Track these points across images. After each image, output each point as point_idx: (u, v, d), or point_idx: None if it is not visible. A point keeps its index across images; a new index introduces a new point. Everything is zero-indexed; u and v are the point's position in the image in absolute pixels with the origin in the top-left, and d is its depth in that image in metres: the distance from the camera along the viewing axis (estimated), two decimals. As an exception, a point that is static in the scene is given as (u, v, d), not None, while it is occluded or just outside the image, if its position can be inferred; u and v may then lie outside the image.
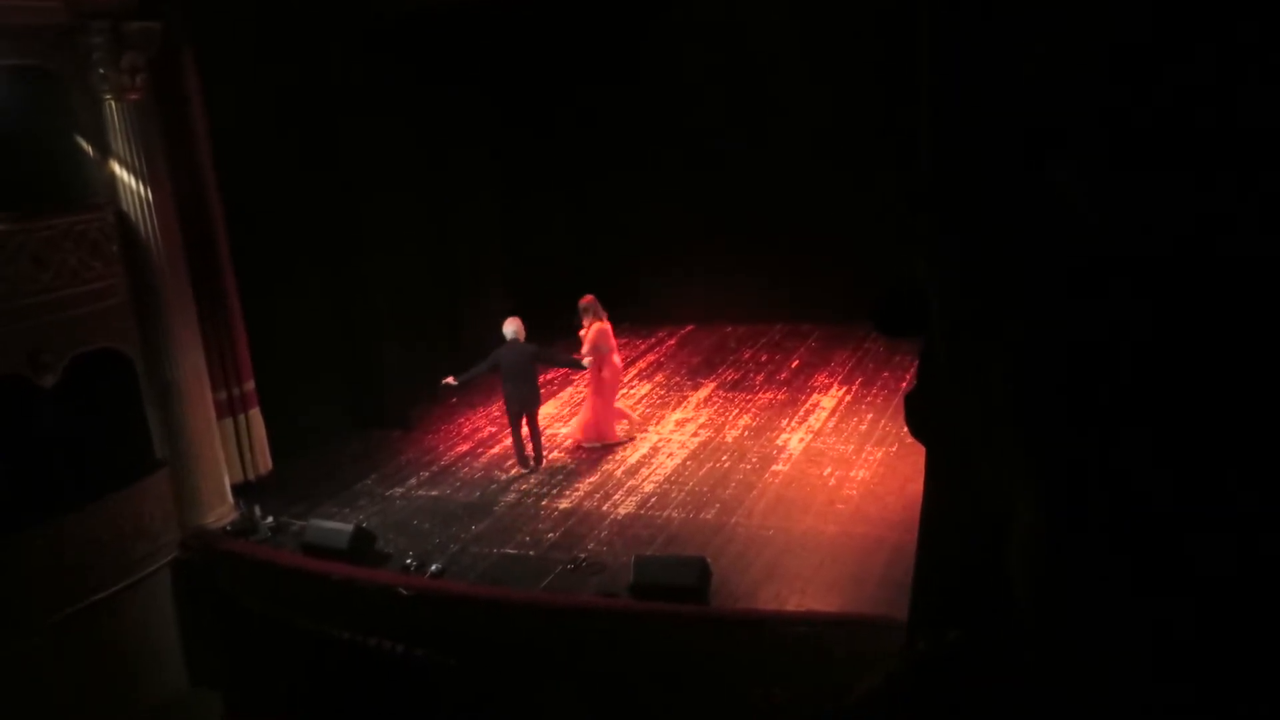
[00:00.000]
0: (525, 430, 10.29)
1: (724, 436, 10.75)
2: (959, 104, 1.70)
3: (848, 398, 11.49)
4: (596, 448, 10.67)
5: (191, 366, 9.41)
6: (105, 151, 8.87)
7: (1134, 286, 1.40)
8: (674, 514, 9.07)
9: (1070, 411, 1.47)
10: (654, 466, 10.15)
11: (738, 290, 14.13)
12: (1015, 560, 1.58)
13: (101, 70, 8.65)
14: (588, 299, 10.73)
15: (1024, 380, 1.55)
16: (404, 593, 8.06)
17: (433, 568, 8.36)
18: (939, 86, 1.73)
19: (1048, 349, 1.50)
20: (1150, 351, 1.41)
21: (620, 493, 9.61)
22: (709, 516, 8.94)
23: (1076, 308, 1.46)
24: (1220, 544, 1.37)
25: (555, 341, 12.44)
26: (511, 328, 10.16)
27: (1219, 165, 1.35)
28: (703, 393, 12.15)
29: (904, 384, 11.64)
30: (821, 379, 12.18)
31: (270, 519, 9.47)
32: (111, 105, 8.77)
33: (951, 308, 1.73)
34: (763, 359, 13.20)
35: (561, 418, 11.81)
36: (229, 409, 9.92)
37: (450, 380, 10.16)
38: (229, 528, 9.41)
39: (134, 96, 8.83)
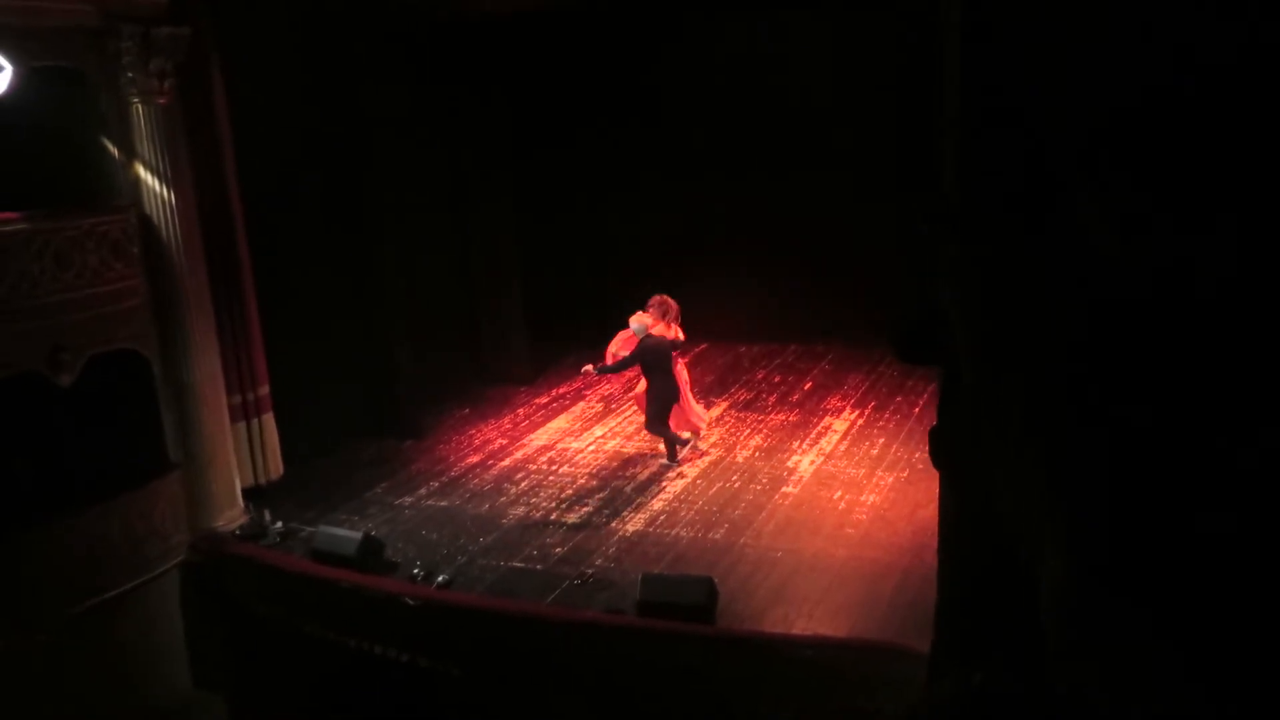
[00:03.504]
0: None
1: (735, 456, 10.74)
2: (987, 127, 1.70)
3: (860, 421, 11.47)
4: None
5: (207, 369, 9.45)
6: (130, 154, 8.95)
7: (1154, 324, 1.40)
8: (682, 533, 9.05)
9: (1098, 454, 1.46)
10: (663, 484, 10.14)
11: (753, 310, 14.12)
12: (1044, 604, 1.57)
13: (130, 74, 8.73)
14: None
15: (1049, 419, 1.54)
16: (410, 602, 8.06)
17: (440, 578, 8.36)
18: (968, 108, 1.74)
19: (1072, 387, 1.49)
20: (1177, 393, 1.40)
21: (629, 509, 9.60)
22: (718, 536, 8.92)
23: (1098, 343, 1.45)
24: (1253, 594, 1.36)
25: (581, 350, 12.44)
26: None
27: (1236, 207, 1.36)
28: (715, 411, 12.13)
29: (917, 409, 11.62)
30: (834, 402, 12.17)
31: (280, 524, 9.50)
32: (138, 108, 8.85)
33: (975, 339, 1.73)
34: (776, 379, 13.19)
35: (573, 432, 11.81)
36: (243, 413, 9.95)
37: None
38: (238, 531, 9.43)
39: (161, 101, 8.91)
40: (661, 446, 10.67)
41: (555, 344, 14.04)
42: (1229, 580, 1.37)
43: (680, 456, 10.59)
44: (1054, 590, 1.55)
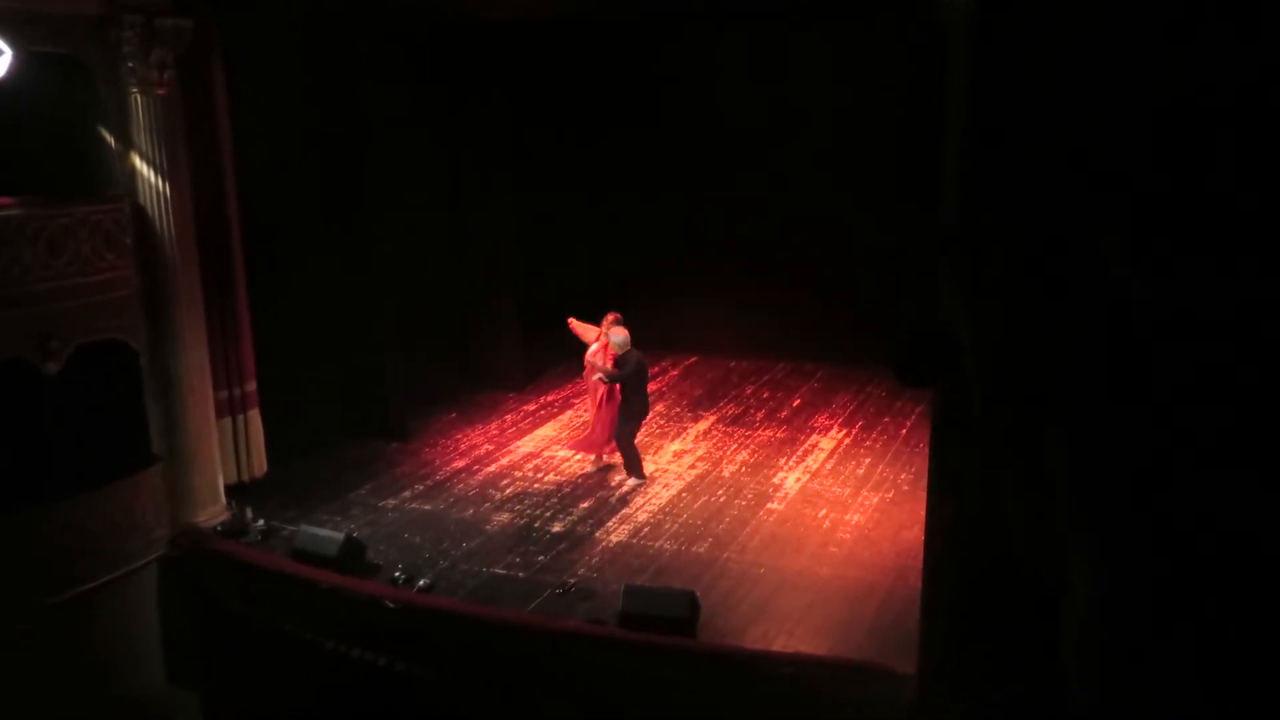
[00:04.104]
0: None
1: (721, 471, 10.73)
2: (999, 151, 1.70)
3: (847, 440, 11.48)
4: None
5: (195, 363, 9.40)
6: (127, 144, 8.91)
7: (1179, 359, 1.39)
8: (666, 545, 9.04)
9: (1132, 493, 1.45)
10: (649, 496, 10.12)
11: (744, 325, 14.17)
12: (1068, 633, 1.55)
13: (131, 64, 8.70)
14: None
15: (1078, 457, 1.53)
16: (391, 605, 8.01)
17: (421, 582, 8.32)
18: (979, 131, 1.74)
19: (1100, 426, 1.48)
20: (1206, 426, 1.39)
21: (614, 520, 9.58)
22: (701, 550, 8.91)
23: (1126, 381, 1.44)
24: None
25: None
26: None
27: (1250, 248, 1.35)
28: (702, 425, 12.14)
29: (904, 430, 11.64)
30: (822, 420, 12.18)
31: (262, 522, 9.43)
32: (137, 99, 8.81)
33: (989, 369, 1.73)
34: (765, 396, 13.20)
35: (560, 440, 11.78)
36: (229, 408, 9.89)
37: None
38: (220, 528, 9.37)
39: (160, 92, 8.88)
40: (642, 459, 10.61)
41: (546, 351, 14.02)
42: (1270, 618, 1.35)
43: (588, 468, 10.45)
44: (1081, 612, 1.53)
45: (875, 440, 11.44)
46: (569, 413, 12.71)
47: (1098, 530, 1.49)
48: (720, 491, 10.17)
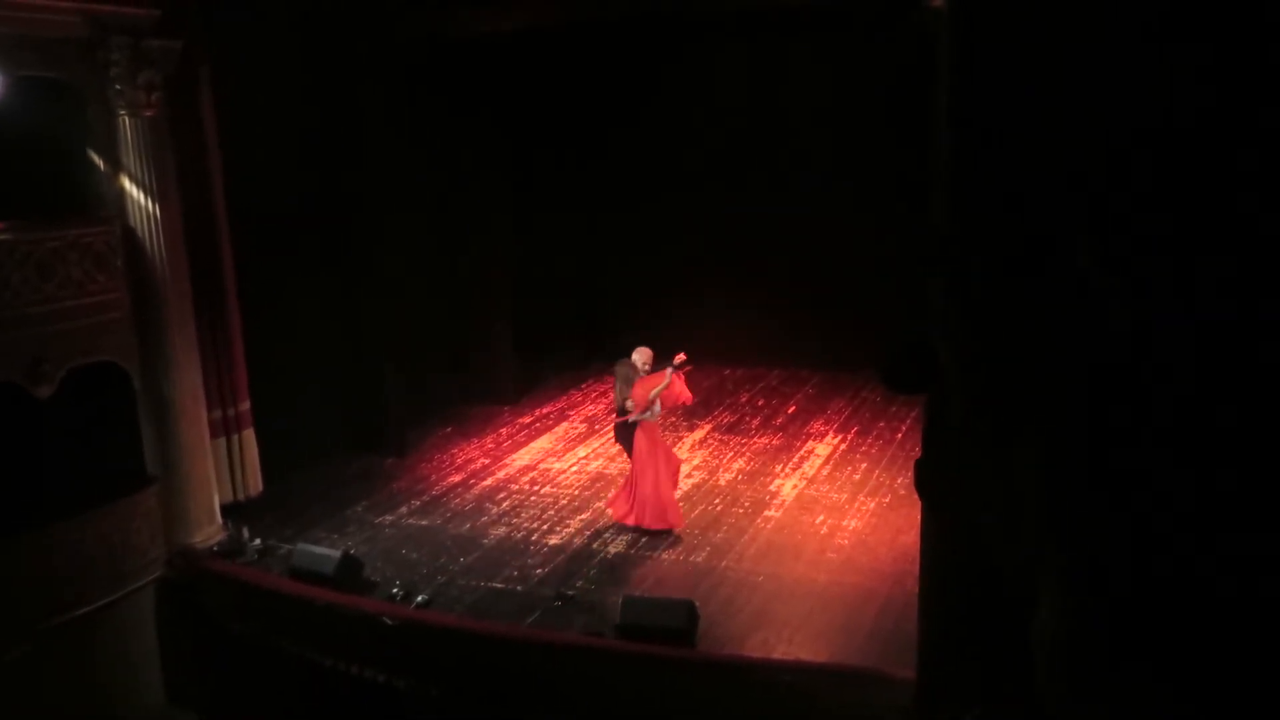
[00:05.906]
0: None
1: (718, 479, 10.73)
2: (978, 167, 1.71)
3: (843, 446, 11.48)
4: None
5: (189, 384, 9.38)
6: (117, 166, 8.91)
7: (1157, 374, 1.40)
8: (664, 555, 9.03)
9: (1099, 505, 1.46)
10: (646, 506, 10.09)
11: (738, 333, 14.17)
12: (1037, 644, 1.55)
13: (119, 86, 8.70)
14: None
15: (1050, 470, 1.53)
16: (389, 622, 7.99)
17: (419, 598, 8.30)
18: (962, 148, 1.75)
19: (1073, 440, 1.49)
20: (1179, 442, 1.40)
21: (611, 531, 9.56)
22: (699, 559, 8.90)
23: (1102, 394, 1.45)
24: (1248, 646, 1.35)
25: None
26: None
27: (1240, 259, 1.36)
28: (698, 434, 12.14)
29: (899, 435, 11.65)
30: (817, 426, 12.19)
31: (258, 541, 9.41)
32: (126, 121, 8.81)
33: (968, 379, 1.73)
34: (760, 403, 13.21)
35: (556, 453, 11.77)
36: (223, 428, 9.88)
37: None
38: (216, 548, 9.33)
39: (149, 113, 8.89)
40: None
41: (540, 363, 14.03)
42: (1239, 635, 1.36)
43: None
44: (1047, 634, 1.54)
45: (871, 445, 11.45)
46: (564, 425, 12.70)
47: (1066, 541, 1.50)
48: (717, 500, 10.17)
